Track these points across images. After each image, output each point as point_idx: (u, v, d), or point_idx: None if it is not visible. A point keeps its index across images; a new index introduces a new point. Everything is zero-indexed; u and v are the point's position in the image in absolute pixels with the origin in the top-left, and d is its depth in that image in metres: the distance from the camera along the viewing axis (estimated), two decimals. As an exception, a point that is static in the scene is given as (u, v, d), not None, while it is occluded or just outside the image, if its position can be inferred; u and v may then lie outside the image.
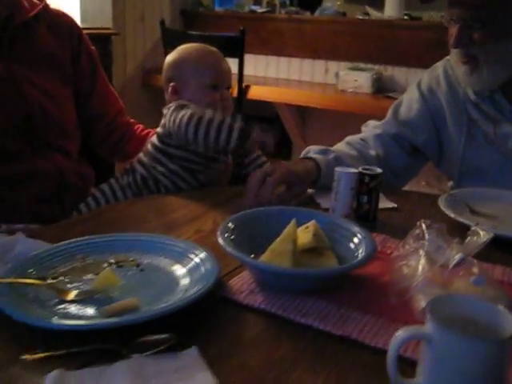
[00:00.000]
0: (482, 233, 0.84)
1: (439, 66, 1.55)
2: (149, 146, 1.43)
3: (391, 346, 0.60)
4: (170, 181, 1.40)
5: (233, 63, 2.82)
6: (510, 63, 1.34)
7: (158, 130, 1.42)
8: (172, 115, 1.34)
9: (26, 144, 1.40)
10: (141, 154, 1.45)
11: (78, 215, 1.39)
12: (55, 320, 0.74)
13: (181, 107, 1.35)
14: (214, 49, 1.50)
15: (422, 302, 0.78)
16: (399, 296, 0.82)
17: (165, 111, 1.40)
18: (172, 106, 1.37)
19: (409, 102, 1.55)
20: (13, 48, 1.39)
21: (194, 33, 2.94)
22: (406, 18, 3.12)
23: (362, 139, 1.52)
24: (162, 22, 3.02)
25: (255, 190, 1.18)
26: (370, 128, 1.57)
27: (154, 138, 1.43)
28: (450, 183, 1.70)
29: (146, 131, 1.68)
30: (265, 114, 3.47)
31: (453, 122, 1.50)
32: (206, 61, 1.44)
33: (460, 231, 0.93)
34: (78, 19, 2.88)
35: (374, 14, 3.30)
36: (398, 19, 3.06)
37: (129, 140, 1.66)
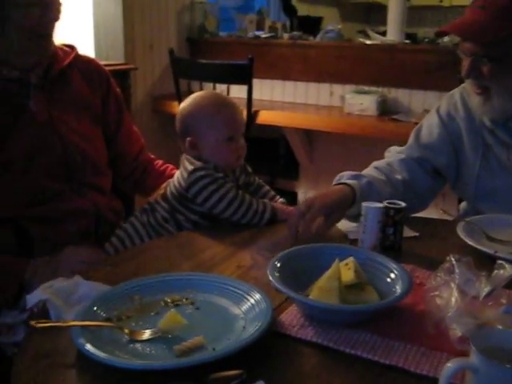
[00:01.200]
0: (507, 266, 0.93)
1: (456, 93, 1.63)
2: (168, 194, 1.46)
3: (442, 376, 0.69)
4: (191, 224, 1.45)
5: (241, 89, 2.94)
6: None
7: (177, 184, 1.44)
8: (205, 190, 1.38)
9: (65, 184, 1.49)
10: (159, 198, 1.49)
11: (120, 255, 1.43)
12: (133, 360, 0.82)
13: (211, 181, 1.39)
14: (228, 99, 1.53)
15: (457, 331, 0.87)
16: (436, 326, 0.91)
17: (186, 165, 1.43)
18: (198, 173, 1.39)
19: (429, 127, 1.64)
20: (52, 94, 1.49)
21: (204, 61, 3.05)
22: (407, 41, 3.24)
23: (388, 164, 1.59)
24: (171, 51, 3.13)
25: (296, 227, 1.26)
26: (394, 153, 1.65)
27: (174, 189, 1.45)
28: (462, 205, 1.79)
29: (164, 166, 1.77)
30: (272, 137, 3.57)
31: (470, 146, 1.58)
32: (223, 114, 1.45)
33: (483, 260, 1.03)
34: (92, 53, 2.99)
35: (375, 36, 3.41)
36: (399, 43, 3.18)
37: (149, 175, 1.75)
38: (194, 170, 1.40)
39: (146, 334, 0.89)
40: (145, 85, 3.45)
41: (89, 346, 0.82)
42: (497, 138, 1.54)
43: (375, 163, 1.60)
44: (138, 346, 0.87)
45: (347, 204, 1.34)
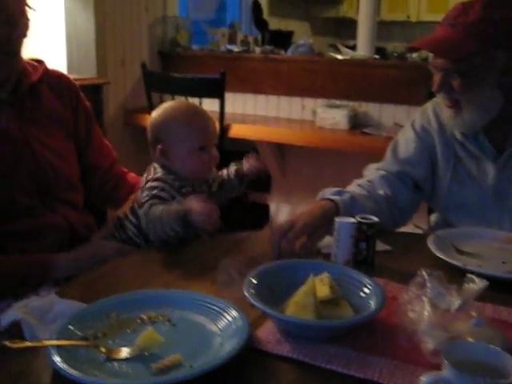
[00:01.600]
0: (476, 280, 0.96)
1: (429, 107, 1.68)
2: (135, 205, 1.46)
3: (416, 391, 0.71)
4: (158, 241, 1.42)
5: (214, 103, 2.96)
6: (487, 108, 1.47)
7: (140, 192, 1.44)
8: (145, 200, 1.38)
9: (37, 199, 1.48)
10: (128, 212, 1.49)
11: (93, 271, 1.43)
12: (110, 379, 0.82)
13: (152, 194, 1.38)
14: (200, 108, 1.53)
15: (429, 344, 0.89)
16: (409, 339, 0.93)
17: (150, 171, 1.44)
18: (150, 183, 1.40)
19: (406, 142, 1.67)
20: (22, 110, 1.48)
21: (176, 75, 3.06)
22: (377, 56, 3.30)
23: (369, 181, 1.61)
24: (144, 65, 3.14)
25: (278, 245, 1.28)
26: (373, 170, 1.67)
27: (138, 197, 1.45)
28: (432, 217, 1.83)
29: (137, 179, 1.75)
30: (245, 150, 3.59)
31: (442, 158, 1.62)
32: (195, 124, 1.44)
33: (453, 273, 1.05)
34: (64, 66, 2.98)
35: (346, 51, 3.47)
36: (370, 58, 3.24)
37: (121, 189, 1.74)
38: (150, 180, 1.41)
39: (123, 352, 0.89)
40: (117, 98, 3.45)
41: (64, 366, 0.82)
42: (467, 151, 1.58)
43: (356, 181, 1.63)
44: (115, 364, 0.87)
45: (331, 219, 1.32)
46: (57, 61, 2.91)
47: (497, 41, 1.40)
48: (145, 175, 1.46)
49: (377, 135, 2.80)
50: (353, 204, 1.42)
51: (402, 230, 1.61)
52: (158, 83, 3.13)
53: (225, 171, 1.57)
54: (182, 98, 3.04)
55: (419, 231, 1.56)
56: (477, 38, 1.40)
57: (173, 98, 3.08)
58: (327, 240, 1.36)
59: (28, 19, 1.42)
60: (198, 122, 1.45)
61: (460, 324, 0.92)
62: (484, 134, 1.54)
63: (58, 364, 0.83)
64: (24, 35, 1.41)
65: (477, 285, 0.95)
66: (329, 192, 1.48)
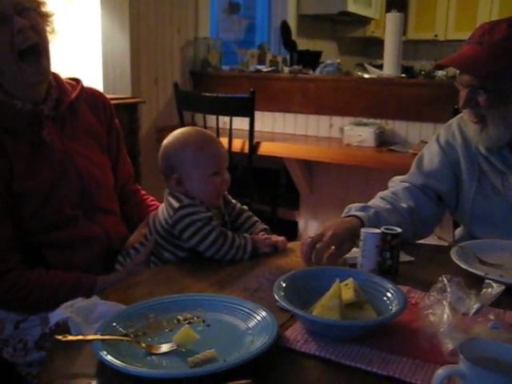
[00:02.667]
0: (495, 285, 1.01)
1: (454, 123, 1.73)
2: (153, 232, 1.51)
3: (434, 382, 0.76)
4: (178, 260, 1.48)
5: (243, 121, 3.05)
6: (510, 125, 1.51)
7: (163, 221, 1.47)
8: (191, 227, 1.42)
9: (80, 210, 1.57)
10: (142, 239, 1.54)
11: (130, 280, 1.44)
12: (153, 371, 0.89)
13: (197, 219, 1.42)
14: (210, 134, 1.56)
15: (448, 345, 0.94)
16: (429, 340, 0.98)
17: (171, 201, 1.46)
18: (185, 210, 1.43)
19: (430, 155, 1.73)
20: (63, 125, 1.58)
21: (207, 94, 3.15)
22: (403, 75, 3.36)
23: (393, 193, 1.67)
24: (176, 85, 3.24)
25: (309, 256, 1.35)
26: (397, 182, 1.74)
27: (159, 226, 1.49)
28: (457, 231, 1.87)
29: (145, 197, 1.85)
30: (274, 167, 3.67)
31: (467, 173, 1.67)
32: (207, 150, 1.48)
33: (473, 281, 1.10)
34: (100, 86, 3.11)
35: (372, 70, 3.54)
36: (396, 77, 3.30)
37: (132, 206, 1.80)
38: (181, 207, 1.43)
39: (162, 347, 0.96)
40: (150, 117, 3.57)
41: (109, 358, 0.89)
42: (491, 165, 1.62)
43: (381, 193, 1.69)
44: (154, 358, 0.94)
45: (356, 235, 1.38)
46: (93, 81, 3.04)
47: None
48: (164, 206, 1.49)
49: (403, 152, 2.84)
50: (377, 219, 1.48)
51: (427, 242, 1.66)
52: (189, 102, 3.24)
53: (244, 217, 1.61)
54: (213, 117, 3.14)
55: (444, 243, 1.61)
56: (502, 55, 1.45)
57: (204, 117, 3.18)
58: (353, 252, 1.42)
59: (36, 11, 1.45)
60: (209, 148, 1.49)
61: (478, 327, 0.97)
62: (509, 149, 1.59)
63: (103, 356, 0.90)
64: (39, 30, 1.44)
65: (495, 289, 1.00)
66: (354, 208, 1.54)
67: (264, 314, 1.03)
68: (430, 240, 1.67)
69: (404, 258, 1.43)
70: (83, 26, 3.10)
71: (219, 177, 1.49)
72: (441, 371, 0.77)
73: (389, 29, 3.34)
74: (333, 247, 1.38)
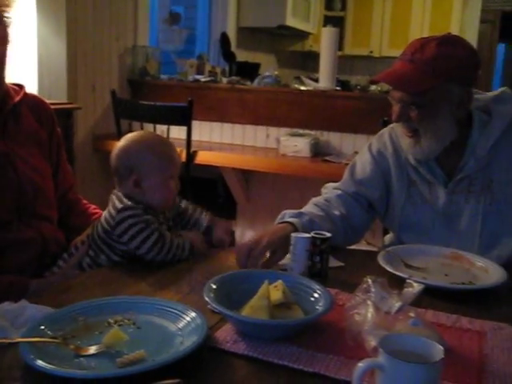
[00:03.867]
0: (415, 285, 1.06)
1: (386, 133, 1.79)
2: (94, 234, 1.51)
3: (355, 375, 0.80)
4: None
5: (181, 130, 3.06)
6: (443, 137, 1.57)
7: (104, 222, 1.48)
8: (131, 230, 1.42)
9: (15, 215, 1.53)
10: (85, 238, 1.54)
11: (64, 283, 1.43)
12: (79, 372, 0.89)
13: (137, 221, 1.43)
14: (166, 138, 1.60)
15: (371, 342, 0.98)
16: (354, 338, 1.02)
17: (115, 202, 1.47)
18: (126, 212, 1.43)
19: (362, 164, 1.78)
20: (5, 128, 1.55)
21: (145, 103, 3.14)
22: (338, 88, 3.46)
23: (326, 200, 1.72)
24: (113, 92, 3.22)
25: (244, 262, 1.37)
26: (331, 189, 1.78)
27: (100, 228, 1.49)
28: (387, 237, 1.94)
29: (88, 205, 1.83)
30: (211, 177, 3.69)
31: (397, 181, 1.73)
32: (168, 155, 1.52)
33: (398, 283, 1.15)
34: (35, 91, 3.05)
35: (309, 82, 3.62)
36: (331, 89, 3.39)
37: (72, 214, 1.79)
38: (123, 209, 1.44)
39: (91, 349, 0.96)
40: (86, 124, 3.52)
41: (36, 360, 0.89)
42: (420, 175, 1.69)
43: (314, 200, 1.73)
44: (82, 360, 0.94)
45: (289, 242, 1.40)
46: (28, 86, 2.97)
47: (451, 76, 1.51)
48: (109, 207, 1.49)
49: (337, 163, 2.92)
50: (311, 226, 1.52)
51: (358, 247, 1.71)
52: (127, 110, 3.22)
53: (190, 210, 1.65)
54: (150, 125, 3.14)
55: (373, 249, 1.67)
56: (432, 73, 1.50)
57: (141, 125, 3.17)
58: (286, 257, 1.45)
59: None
60: (170, 153, 1.53)
61: (399, 324, 1.02)
62: (435, 161, 1.65)
63: (31, 358, 0.89)
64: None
65: (414, 289, 1.05)
66: (288, 214, 1.58)
67: (194, 315, 1.04)
68: (361, 246, 1.72)
69: (334, 263, 1.48)
70: (18, 29, 3.03)
71: (174, 181, 1.53)
72: (361, 364, 0.80)
73: (324, 43, 3.44)
74: (267, 254, 1.41)
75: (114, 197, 1.50)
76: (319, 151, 3.20)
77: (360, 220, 1.73)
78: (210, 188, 3.83)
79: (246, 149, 3.47)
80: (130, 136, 1.55)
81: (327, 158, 3.02)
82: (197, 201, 3.36)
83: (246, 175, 3.57)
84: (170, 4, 5.67)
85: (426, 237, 1.67)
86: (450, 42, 1.53)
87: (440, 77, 1.50)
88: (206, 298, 1.06)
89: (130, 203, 1.46)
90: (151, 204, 1.49)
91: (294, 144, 3.11)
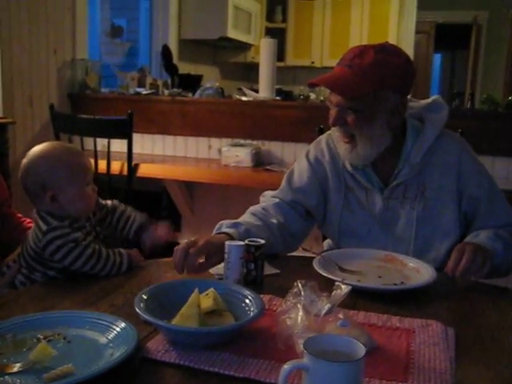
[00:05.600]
0: (343, 287, 1.08)
1: (323, 140, 1.81)
2: (25, 255, 1.47)
3: (280, 377, 0.81)
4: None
5: (123, 144, 3.03)
6: (378, 143, 1.61)
7: (33, 244, 1.44)
8: (61, 249, 1.40)
9: None
10: (16, 257, 1.51)
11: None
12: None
13: (66, 241, 1.40)
14: (75, 146, 1.58)
15: (302, 345, 1.00)
16: (285, 342, 1.03)
17: (40, 224, 1.43)
18: (52, 233, 1.40)
19: (300, 171, 1.80)
20: None
21: (84, 116, 3.11)
22: (277, 98, 3.50)
23: (263, 208, 1.73)
24: (52, 106, 3.17)
25: (181, 263, 1.36)
26: (269, 197, 1.80)
27: (30, 249, 1.46)
28: (326, 242, 1.97)
29: (22, 219, 1.79)
30: (155, 190, 3.67)
31: (334, 188, 1.75)
32: (79, 163, 1.48)
33: (331, 286, 1.18)
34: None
35: (250, 93, 3.65)
36: (270, 100, 3.43)
37: (10, 229, 1.76)
38: (49, 230, 1.41)
39: (16, 366, 0.94)
40: (25, 139, 3.44)
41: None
42: (356, 182, 1.72)
43: (251, 209, 1.73)
44: (7, 378, 0.92)
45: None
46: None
47: (387, 84, 1.55)
48: (34, 228, 1.46)
49: (279, 171, 2.95)
50: (248, 236, 1.52)
51: (296, 254, 1.73)
52: (66, 124, 3.17)
53: (121, 207, 1.63)
54: (91, 140, 3.10)
55: (310, 255, 1.69)
56: (370, 79, 1.54)
57: (81, 139, 3.12)
58: (221, 267, 1.46)
59: None
60: (80, 160, 1.50)
61: (329, 326, 1.04)
62: (371, 168, 1.69)
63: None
64: None
65: (342, 291, 1.08)
66: (225, 225, 1.58)
67: (123, 325, 1.04)
68: (298, 252, 1.74)
69: (270, 270, 1.49)
70: None
71: (90, 186, 1.50)
72: (286, 366, 0.81)
73: (263, 54, 3.48)
74: (203, 260, 1.41)
75: (36, 217, 1.46)
76: (261, 161, 3.23)
77: (298, 227, 1.75)
78: (154, 201, 3.80)
79: (188, 160, 3.47)
80: (34, 152, 1.48)
81: (268, 167, 3.06)
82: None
83: (189, 187, 3.57)
84: (112, 17, 5.63)
85: (364, 243, 1.70)
86: (387, 51, 1.57)
87: (376, 83, 1.54)
88: (136, 309, 1.05)
89: (55, 223, 1.43)
90: (73, 215, 1.46)
91: (236, 154, 3.13)
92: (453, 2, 7.86)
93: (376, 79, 1.54)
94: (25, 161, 1.48)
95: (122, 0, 5.71)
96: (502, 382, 0.99)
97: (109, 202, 1.63)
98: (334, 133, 1.69)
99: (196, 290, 1.08)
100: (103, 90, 4.05)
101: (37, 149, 1.49)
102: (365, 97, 1.55)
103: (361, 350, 0.82)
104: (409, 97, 1.69)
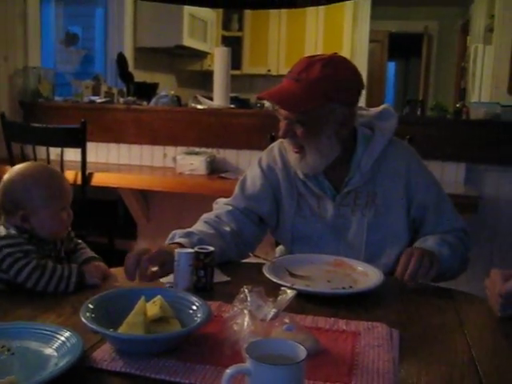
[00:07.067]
0: (288, 291, 1.10)
1: (275, 147, 1.83)
2: None
3: (223, 381, 0.82)
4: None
5: (76, 152, 3.00)
6: (327, 154, 1.64)
7: None
8: (7, 260, 1.37)
9: None
10: None
11: None
12: None
13: (10, 252, 1.37)
14: (56, 170, 1.56)
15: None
16: (232, 348, 1.04)
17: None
18: (3, 242, 1.38)
19: (253, 179, 1.81)
20: None
21: (36, 125, 3.07)
22: (232, 106, 3.52)
23: (216, 216, 1.73)
24: (3, 115, 3.12)
25: (133, 269, 1.35)
26: (222, 205, 1.80)
27: None
28: (279, 248, 1.99)
29: None
30: (110, 198, 3.63)
31: (287, 195, 1.77)
32: (56, 186, 1.48)
33: (275, 289, 1.19)
34: None
35: (204, 101, 3.67)
36: (225, 108, 3.45)
37: None
38: (2, 238, 1.40)
39: (-43, 379, 0.92)
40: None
41: None
42: (308, 189, 1.74)
43: (204, 217, 1.74)
44: None
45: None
46: None
47: (334, 97, 1.57)
48: None
49: (233, 179, 2.96)
50: (200, 245, 1.53)
51: (249, 260, 1.74)
52: (18, 133, 3.12)
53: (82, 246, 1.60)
54: (43, 148, 3.05)
55: (262, 261, 1.70)
56: (316, 93, 1.56)
57: (34, 148, 3.07)
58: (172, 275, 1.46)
59: None
60: (58, 184, 1.49)
61: (275, 330, 1.06)
62: (323, 175, 1.71)
63: None
64: None
65: (288, 295, 1.10)
66: (178, 234, 1.59)
67: (68, 335, 1.03)
68: (251, 259, 1.75)
69: (221, 278, 1.50)
70: None
71: (66, 211, 1.48)
72: (228, 371, 0.83)
73: (217, 62, 3.50)
74: (156, 268, 1.40)
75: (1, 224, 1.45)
76: (216, 168, 3.24)
77: (251, 235, 1.77)
78: (110, 209, 3.76)
79: (143, 169, 3.45)
80: (15, 169, 1.49)
81: (223, 174, 3.07)
82: (96, 224, 3.33)
83: (144, 195, 3.55)
84: (67, 24, 5.57)
85: (317, 248, 1.72)
86: (334, 64, 1.59)
87: (323, 97, 1.56)
88: (82, 318, 1.05)
89: (13, 232, 1.41)
90: (41, 235, 1.45)
91: (191, 162, 3.14)
92: (404, 13, 8.06)
93: (323, 93, 1.56)
94: (5, 176, 1.48)
95: (77, 7, 5.66)
96: (442, 379, 1.02)
97: (79, 241, 1.60)
98: (285, 142, 1.71)
99: (142, 298, 1.08)
100: (57, 98, 4.00)
101: (19, 166, 1.50)
102: (312, 111, 1.57)
103: (302, 353, 0.84)
104: (360, 105, 1.72)
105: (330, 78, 1.57)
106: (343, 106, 1.60)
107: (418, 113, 3.89)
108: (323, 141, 1.62)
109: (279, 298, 1.11)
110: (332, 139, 1.63)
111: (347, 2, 6.03)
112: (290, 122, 1.60)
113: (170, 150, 3.45)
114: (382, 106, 1.80)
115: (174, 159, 3.27)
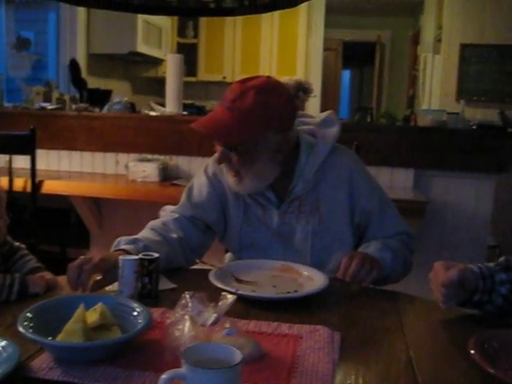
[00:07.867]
0: (229, 296, 1.11)
1: None
2: None
3: (157, 387, 0.83)
4: None
5: (26, 160, 2.95)
6: (264, 177, 1.64)
7: None
8: None
9: None
10: None
11: None
12: None
13: None
14: None
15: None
16: (173, 353, 1.05)
17: None
18: None
19: (199, 186, 1.81)
20: None
21: (-19, 133, 3.00)
22: (185, 113, 3.52)
23: (163, 223, 1.72)
24: None
25: (75, 280, 1.34)
26: (168, 212, 1.80)
27: None
28: (228, 255, 1.99)
29: None
30: (63, 206, 3.58)
31: (233, 204, 1.77)
32: None
33: (218, 294, 1.20)
34: None
35: (157, 108, 3.66)
36: (177, 114, 3.45)
37: None
38: None
39: None
40: None
41: None
42: (253, 199, 1.75)
43: (151, 224, 1.73)
44: None
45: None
46: None
47: (268, 125, 1.56)
48: None
49: (185, 186, 2.96)
50: (146, 252, 1.52)
51: (197, 267, 1.74)
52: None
53: (18, 256, 1.58)
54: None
55: (209, 267, 1.71)
56: (250, 124, 1.54)
57: (-19, 156, 3.01)
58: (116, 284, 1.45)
59: None
60: None
61: (215, 335, 1.07)
62: (270, 189, 1.72)
63: None
64: None
65: (228, 300, 1.11)
66: (123, 241, 1.57)
67: (4, 343, 1.02)
68: (198, 265, 1.76)
69: (167, 285, 1.49)
70: None
71: (2, 220, 1.45)
72: (164, 376, 0.83)
73: (169, 69, 3.50)
74: (99, 277, 1.39)
75: None
76: (169, 175, 3.23)
77: (198, 242, 1.77)
78: (62, 218, 3.71)
79: (95, 176, 3.42)
80: None
81: (175, 181, 3.07)
82: (48, 231, 3.27)
83: (97, 203, 3.51)
84: (19, 29, 5.48)
85: (265, 255, 1.72)
86: (267, 91, 1.57)
87: (257, 127, 1.55)
88: (19, 327, 1.04)
89: None
90: None
91: (143, 169, 3.13)
92: (358, 22, 8.21)
93: (257, 123, 1.55)
94: None
95: (30, 12, 5.57)
96: (379, 379, 1.05)
97: (16, 244, 1.58)
98: (224, 168, 1.69)
99: (81, 306, 1.08)
100: (7, 104, 3.92)
101: None
102: (246, 141, 1.57)
103: (238, 357, 0.85)
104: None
105: (263, 107, 1.55)
106: (278, 133, 1.60)
107: (368, 120, 3.96)
108: (259, 166, 1.62)
109: (220, 303, 1.12)
110: (268, 164, 1.63)
111: (302, 9, 6.13)
112: (225, 149, 1.60)
113: (123, 157, 3.42)
114: (325, 113, 1.81)
115: (127, 166, 3.24)
